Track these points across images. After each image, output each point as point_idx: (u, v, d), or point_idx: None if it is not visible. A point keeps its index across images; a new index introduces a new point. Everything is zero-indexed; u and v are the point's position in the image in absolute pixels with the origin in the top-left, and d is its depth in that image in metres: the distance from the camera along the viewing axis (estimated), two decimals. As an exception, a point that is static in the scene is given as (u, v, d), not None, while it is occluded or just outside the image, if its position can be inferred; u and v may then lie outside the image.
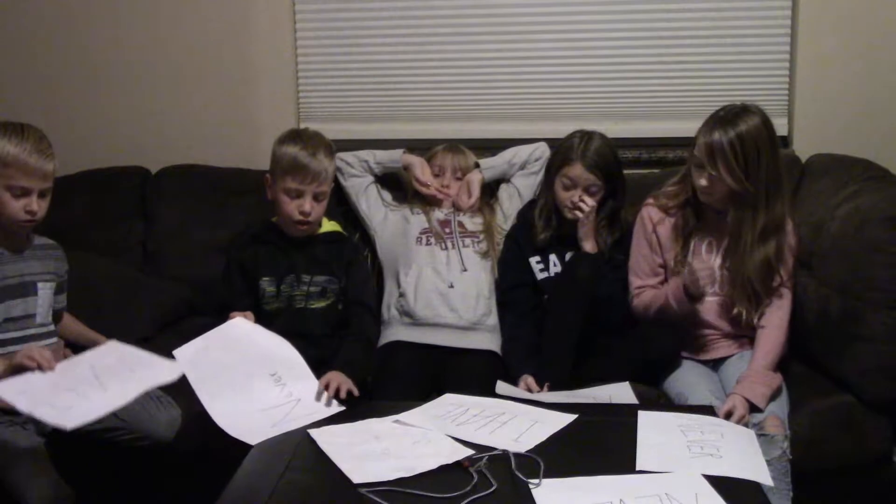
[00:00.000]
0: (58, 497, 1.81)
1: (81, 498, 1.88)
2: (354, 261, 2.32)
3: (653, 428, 1.68)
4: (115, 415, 1.98)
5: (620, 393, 1.95)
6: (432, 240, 2.45)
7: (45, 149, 1.91)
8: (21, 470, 1.76)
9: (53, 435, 1.92)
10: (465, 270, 2.40)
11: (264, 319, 2.16)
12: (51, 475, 1.81)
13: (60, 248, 2.09)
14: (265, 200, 2.25)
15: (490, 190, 2.62)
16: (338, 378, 1.91)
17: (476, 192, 2.54)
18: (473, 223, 2.51)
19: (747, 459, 1.56)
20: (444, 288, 2.35)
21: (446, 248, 2.44)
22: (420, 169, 2.56)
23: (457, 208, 2.55)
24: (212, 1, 2.89)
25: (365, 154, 2.61)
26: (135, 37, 2.93)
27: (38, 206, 1.91)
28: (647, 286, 2.24)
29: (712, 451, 1.58)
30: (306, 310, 2.20)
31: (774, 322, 2.11)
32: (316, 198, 2.18)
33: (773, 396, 1.98)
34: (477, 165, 2.59)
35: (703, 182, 2.08)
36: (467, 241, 2.46)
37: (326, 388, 1.88)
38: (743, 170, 2.02)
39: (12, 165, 1.85)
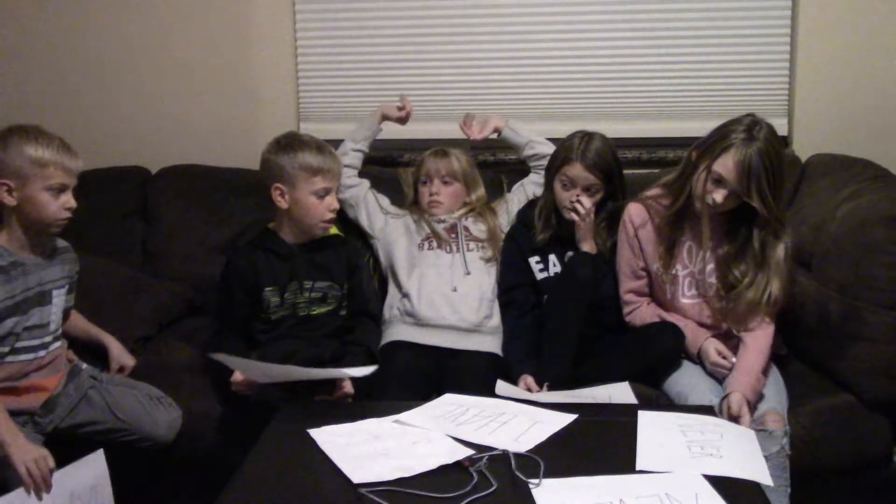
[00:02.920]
0: None
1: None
2: (357, 266, 2.33)
3: (653, 428, 1.68)
4: (115, 416, 1.99)
5: (620, 393, 1.95)
6: (435, 244, 2.45)
7: (69, 146, 1.93)
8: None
9: (52, 435, 1.93)
10: (469, 274, 2.39)
11: (270, 328, 2.17)
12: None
13: (72, 250, 2.09)
14: (265, 201, 2.24)
15: (490, 191, 2.62)
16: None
17: (487, 130, 2.58)
18: (478, 229, 2.50)
19: (747, 459, 1.56)
20: (448, 290, 2.35)
21: (451, 252, 2.43)
22: (393, 111, 2.61)
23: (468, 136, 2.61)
24: (212, 1, 2.89)
25: (346, 147, 2.57)
26: (135, 37, 2.93)
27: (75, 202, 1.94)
28: (640, 301, 2.25)
29: (712, 450, 1.58)
30: (309, 316, 2.20)
31: (761, 333, 2.09)
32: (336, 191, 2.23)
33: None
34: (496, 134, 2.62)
35: (718, 198, 2.02)
36: (472, 245, 2.46)
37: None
38: (772, 193, 1.98)
39: (51, 165, 1.87)
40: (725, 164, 1.99)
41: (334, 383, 2.03)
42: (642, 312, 2.24)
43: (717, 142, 2.02)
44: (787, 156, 2.70)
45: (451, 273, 2.39)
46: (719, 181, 2.01)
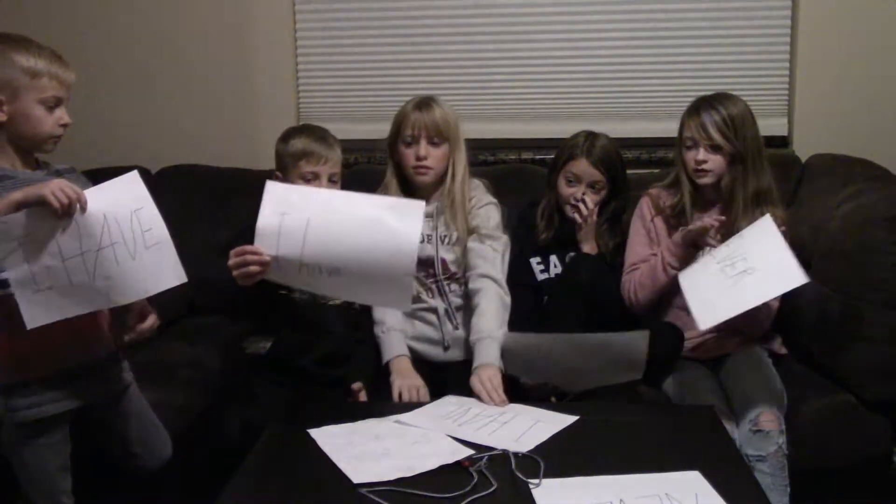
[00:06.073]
0: None
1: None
2: None
3: (695, 280, 1.94)
4: (127, 437, 1.90)
5: (634, 345, 1.91)
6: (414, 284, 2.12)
7: (61, 56, 1.75)
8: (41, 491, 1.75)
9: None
10: (457, 329, 2.20)
11: (289, 307, 2.14)
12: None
13: (77, 172, 1.89)
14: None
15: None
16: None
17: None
18: (454, 261, 2.21)
19: (778, 264, 1.78)
20: (439, 349, 2.21)
21: (433, 297, 2.22)
22: None
23: None
24: (212, 1, 2.90)
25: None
26: (135, 37, 2.93)
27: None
28: (641, 266, 2.23)
29: (744, 266, 1.82)
30: (326, 306, 2.19)
31: None
32: (331, 179, 2.17)
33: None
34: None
35: (699, 157, 2.11)
36: (454, 286, 2.22)
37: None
38: (732, 131, 2.10)
39: (44, 75, 1.69)
40: (689, 126, 2.14)
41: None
42: (642, 271, 2.20)
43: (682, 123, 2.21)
44: (788, 154, 2.71)
45: (441, 329, 2.21)
46: (692, 140, 2.14)
